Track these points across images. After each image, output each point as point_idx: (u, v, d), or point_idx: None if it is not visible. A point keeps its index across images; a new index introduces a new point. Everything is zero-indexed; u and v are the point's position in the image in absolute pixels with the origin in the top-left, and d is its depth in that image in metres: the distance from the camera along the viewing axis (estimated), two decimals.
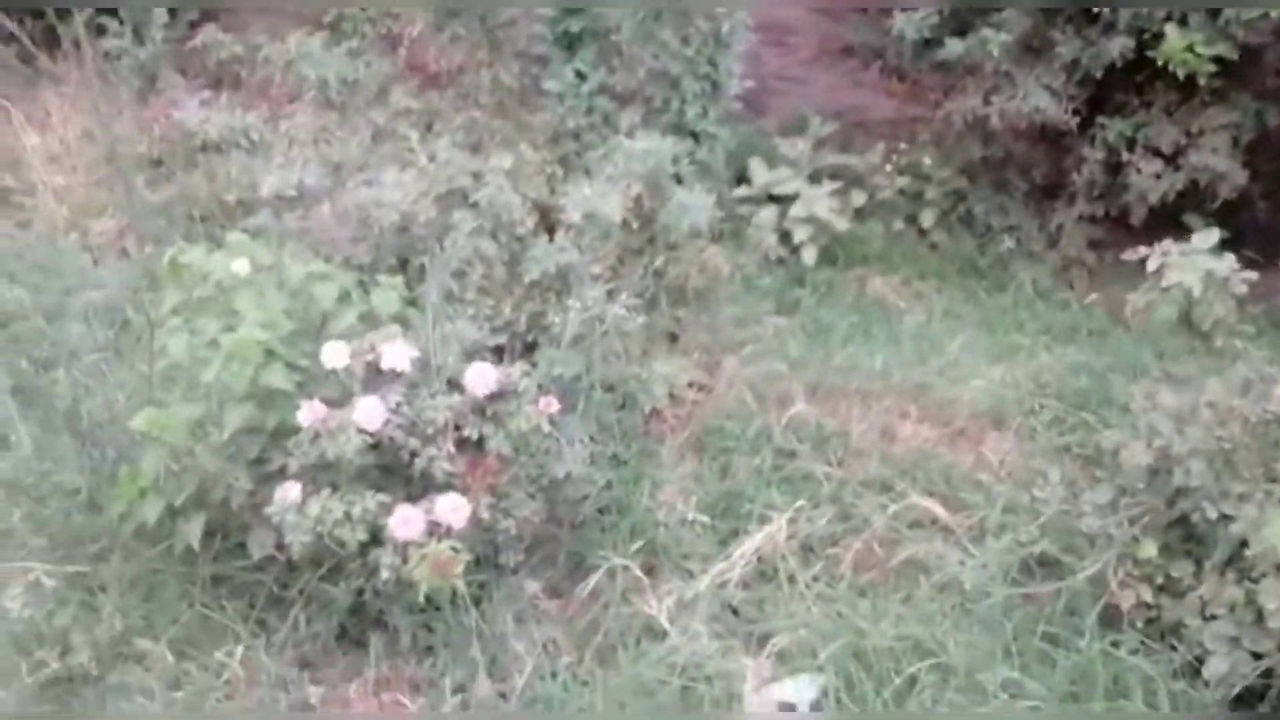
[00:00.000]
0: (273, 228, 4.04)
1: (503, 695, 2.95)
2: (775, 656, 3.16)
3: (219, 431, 3.03)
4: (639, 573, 3.36)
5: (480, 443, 2.88)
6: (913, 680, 2.99)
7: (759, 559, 3.44)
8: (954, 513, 3.59)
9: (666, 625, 3.22)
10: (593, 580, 3.36)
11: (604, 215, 3.45)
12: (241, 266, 3.07)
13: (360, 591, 3.07)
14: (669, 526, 3.56)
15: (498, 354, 3.75)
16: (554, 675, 3.02)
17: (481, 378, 2.83)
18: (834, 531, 3.59)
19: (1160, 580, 2.96)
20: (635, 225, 3.72)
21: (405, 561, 2.62)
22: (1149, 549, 2.94)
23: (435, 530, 2.61)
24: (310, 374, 3.11)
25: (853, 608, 3.26)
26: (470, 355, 3.44)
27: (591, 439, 3.52)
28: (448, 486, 2.74)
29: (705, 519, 3.58)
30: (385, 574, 2.68)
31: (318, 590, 3.13)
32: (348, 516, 2.65)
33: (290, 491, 2.73)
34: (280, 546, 3.06)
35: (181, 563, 3.23)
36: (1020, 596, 3.10)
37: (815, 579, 3.42)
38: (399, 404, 2.79)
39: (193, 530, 3.14)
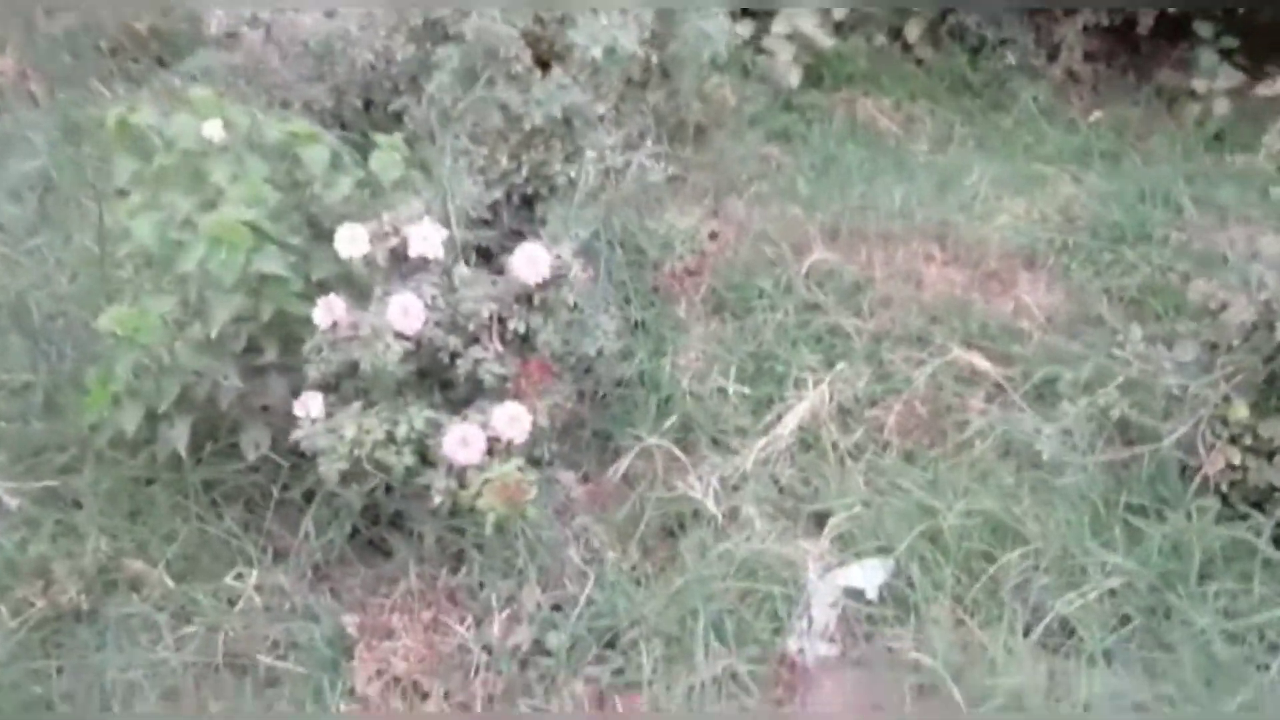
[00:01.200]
0: (216, 69, 3.49)
1: (557, 606, 2.67)
2: (836, 539, 2.93)
3: (201, 326, 2.60)
4: (676, 451, 3.07)
5: (527, 337, 2.50)
6: (986, 557, 2.79)
7: (799, 428, 3.18)
8: (998, 366, 3.35)
9: (714, 509, 2.96)
10: (625, 463, 3.07)
11: (624, 48, 2.99)
12: (215, 130, 2.57)
13: (372, 489, 2.73)
14: (700, 397, 3.25)
15: (493, 211, 3.33)
16: (605, 579, 2.75)
17: (532, 262, 2.42)
18: (873, 392, 3.33)
19: (1248, 441, 2.77)
20: (652, 58, 3.26)
21: (462, 486, 2.27)
22: (1240, 410, 2.74)
23: (494, 447, 2.26)
24: (303, 252, 2.68)
25: (907, 478, 3.03)
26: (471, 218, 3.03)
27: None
28: (497, 392, 2.37)
29: (738, 388, 3.28)
30: (438, 499, 2.33)
31: (325, 492, 2.78)
32: (390, 438, 2.27)
33: (312, 404, 2.34)
34: (275, 444, 2.71)
35: (167, 470, 2.84)
36: (1096, 464, 2.89)
37: (858, 448, 3.17)
38: (434, 297, 2.38)
39: (179, 436, 2.74)
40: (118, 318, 2.53)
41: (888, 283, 3.67)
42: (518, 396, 2.37)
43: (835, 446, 3.13)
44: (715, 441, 3.17)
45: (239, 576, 2.68)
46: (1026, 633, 2.60)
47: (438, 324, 2.37)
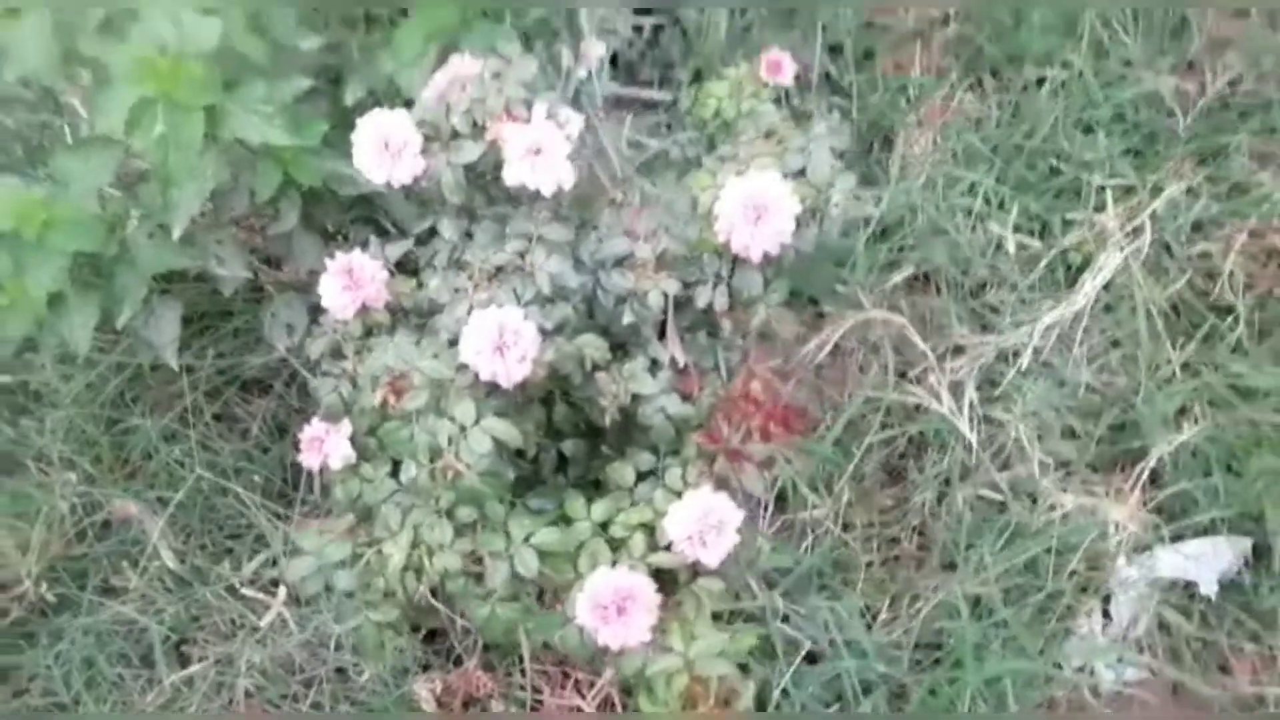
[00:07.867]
0: None
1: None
2: (1154, 495, 1.92)
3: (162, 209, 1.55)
4: (908, 331, 2.01)
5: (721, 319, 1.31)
6: None
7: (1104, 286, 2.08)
8: None
9: (966, 432, 1.94)
10: (832, 339, 2.02)
11: None
12: None
13: None
14: (942, 230, 2.14)
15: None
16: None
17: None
18: (1204, 215, 2.18)
19: None
20: None
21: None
22: None
23: (670, 581, 1.20)
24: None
25: (1265, 377, 1.98)
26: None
27: None
28: (671, 443, 1.26)
29: (1003, 227, 2.14)
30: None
31: None
32: (473, 566, 1.24)
33: (332, 450, 1.32)
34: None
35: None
36: None
37: (1178, 312, 2.09)
38: (549, 277, 1.19)
39: (163, 335, 1.77)
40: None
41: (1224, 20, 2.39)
42: (714, 452, 1.27)
43: (1157, 336, 2.04)
44: (971, 313, 2.09)
45: (261, 543, 1.80)
46: None
47: (557, 328, 1.22)
